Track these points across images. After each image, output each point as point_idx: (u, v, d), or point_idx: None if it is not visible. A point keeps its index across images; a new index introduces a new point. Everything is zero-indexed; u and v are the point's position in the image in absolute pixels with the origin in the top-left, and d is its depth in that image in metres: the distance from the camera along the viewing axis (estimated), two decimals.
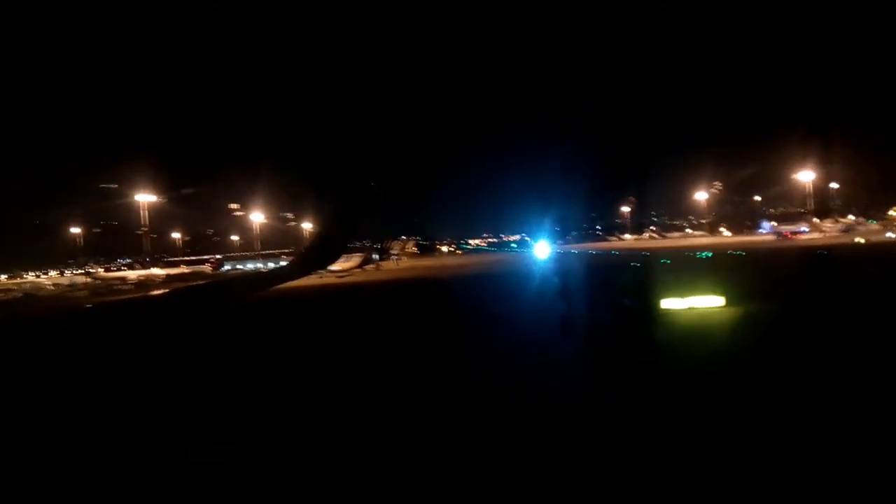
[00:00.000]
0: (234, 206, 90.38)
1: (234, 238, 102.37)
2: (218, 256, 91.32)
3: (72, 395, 11.75)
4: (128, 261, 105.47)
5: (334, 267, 61.12)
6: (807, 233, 71.95)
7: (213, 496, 7.18)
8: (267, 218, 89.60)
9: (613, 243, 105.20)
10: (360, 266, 63.63)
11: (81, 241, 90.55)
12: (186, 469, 7.92)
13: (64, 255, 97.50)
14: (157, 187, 75.71)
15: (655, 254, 55.79)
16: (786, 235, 71.18)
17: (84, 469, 8.10)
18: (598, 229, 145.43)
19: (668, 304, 19.80)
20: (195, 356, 15.39)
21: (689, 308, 19.32)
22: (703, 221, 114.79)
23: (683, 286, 21.37)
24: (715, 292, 20.12)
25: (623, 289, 28.37)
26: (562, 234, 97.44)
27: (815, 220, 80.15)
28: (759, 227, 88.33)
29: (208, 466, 7.91)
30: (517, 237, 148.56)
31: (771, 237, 73.71)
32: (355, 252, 71.51)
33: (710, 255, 48.96)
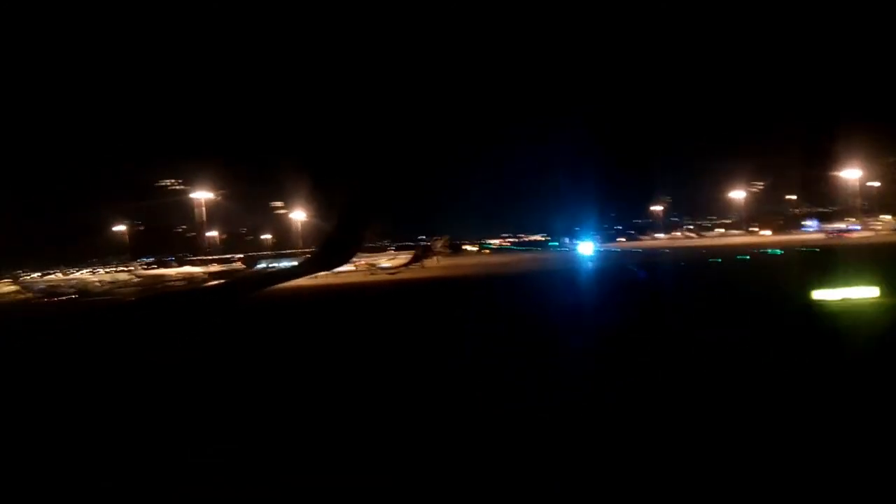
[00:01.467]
0: (275, 203, 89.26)
1: (266, 236, 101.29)
2: (240, 255, 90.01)
3: (73, 395, 11.77)
4: (151, 259, 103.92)
5: (385, 264, 60.71)
6: (858, 231, 70.74)
7: (213, 496, 7.19)
8: (302, 216, 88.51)
9: (646, 242, 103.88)
10: (408, 265, 62.94)
11: (128, 239, 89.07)
12: (186, 469, 7.91)
13: (88, 255, 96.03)
14: (189, 186, 74.51)
15: (714, 252, 54.43)
16: (838, 234, 69.86)
17: (84, 469, 8.07)
18: (617, 228, 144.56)
19: (821, 295, 18.83)
20: (196, 356, 15.44)
21: (843, 299, 18.40)
22: (734, 220, 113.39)
23: (826, 278, 20.75)
24: (867, 283, 19.16)
25: (760, 282, 27.47)
26: (586, 234, 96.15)
27: (864, 219, 78.84)
28: (805, 226, 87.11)
29: (208, 466, 7.90)
30: (537, 237, 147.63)
31: (820, 235, 72.44)
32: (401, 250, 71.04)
33: (780, 252, 48.06)
